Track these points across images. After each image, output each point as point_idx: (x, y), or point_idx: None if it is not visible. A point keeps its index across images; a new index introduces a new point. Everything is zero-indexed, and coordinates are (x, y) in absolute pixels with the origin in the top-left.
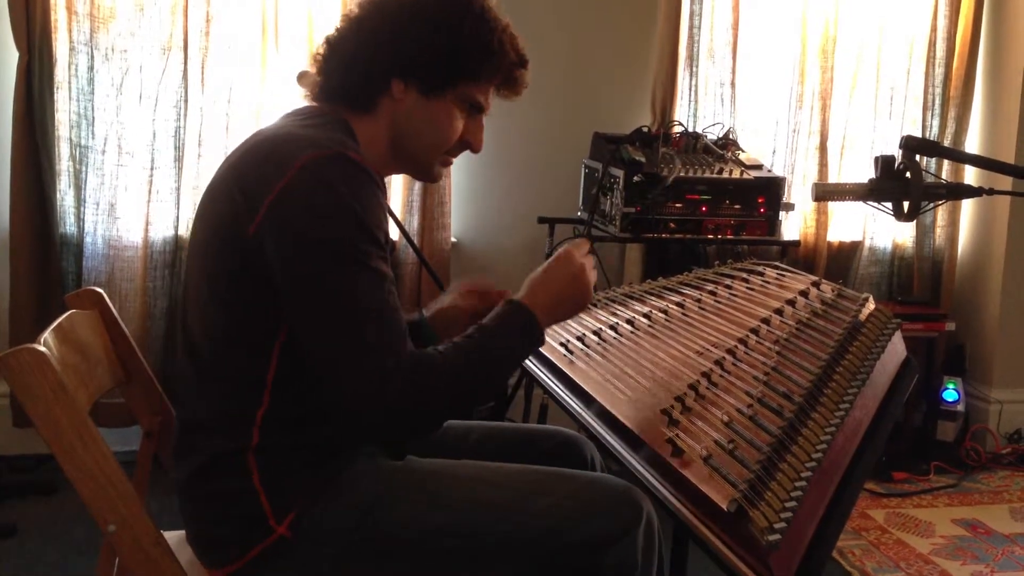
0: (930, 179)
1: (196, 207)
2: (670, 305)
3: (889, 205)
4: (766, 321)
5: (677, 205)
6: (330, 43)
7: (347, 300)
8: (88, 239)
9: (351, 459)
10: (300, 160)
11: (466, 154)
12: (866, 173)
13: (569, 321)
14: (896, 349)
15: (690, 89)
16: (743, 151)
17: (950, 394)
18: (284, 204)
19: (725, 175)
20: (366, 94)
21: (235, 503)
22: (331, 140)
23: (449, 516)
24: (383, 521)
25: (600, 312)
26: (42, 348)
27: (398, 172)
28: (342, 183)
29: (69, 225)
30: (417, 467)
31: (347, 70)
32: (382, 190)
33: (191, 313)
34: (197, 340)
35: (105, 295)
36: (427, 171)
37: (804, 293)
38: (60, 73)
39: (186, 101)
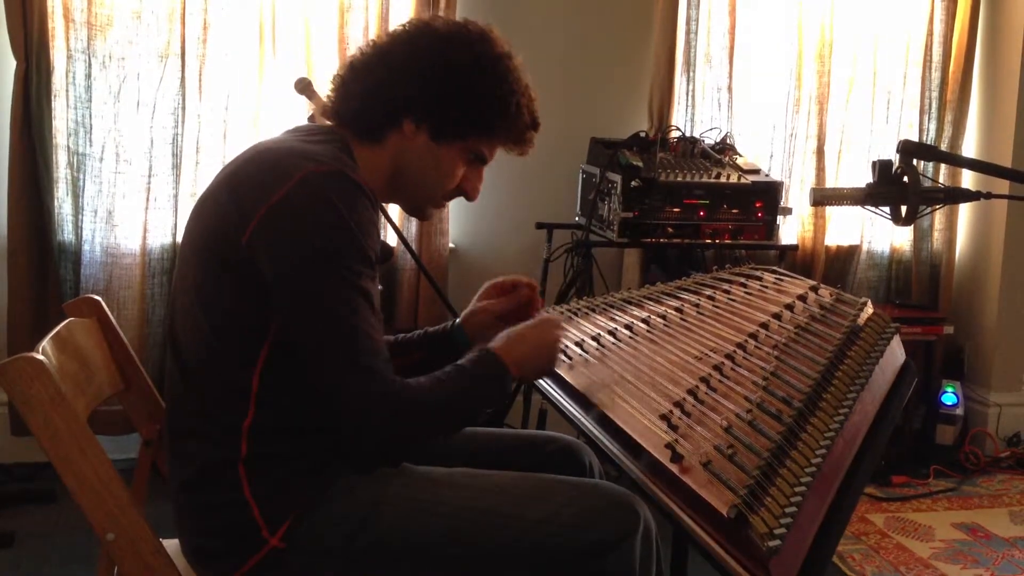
0: (927, 183)
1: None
2: (669, 310)
3: (887, 209)
4: (765, 326)
5: (675, 210)
6: (354, 67)
7: (337, 321)
8: (86, 247)
9: (345, 468)
10: (300, 173)
11: None
12: (863, 176)
13: (568, 327)
14: (895, 353)
15: (687, 94)
16: (740, 155)
17: (949, 398)
18: (280, 216)
19: (723, 179)
20: (377, 125)
21: (227, 515)
22: (331, 157)
23: (446, 524)
24: (379, 530)
25: (599, 317)
26: (40, 357)
27: (390, 202)
28: (340, 200)
29: (67, 233)
30: (413, 474)
31: (365, 98)
32: (376, 211)
33: (178, 321)
34: (183, 348)
35: (103, 303)
36: (420, 210)
37: (802, 297)
38: (58, 81)
39: (184, 108)
